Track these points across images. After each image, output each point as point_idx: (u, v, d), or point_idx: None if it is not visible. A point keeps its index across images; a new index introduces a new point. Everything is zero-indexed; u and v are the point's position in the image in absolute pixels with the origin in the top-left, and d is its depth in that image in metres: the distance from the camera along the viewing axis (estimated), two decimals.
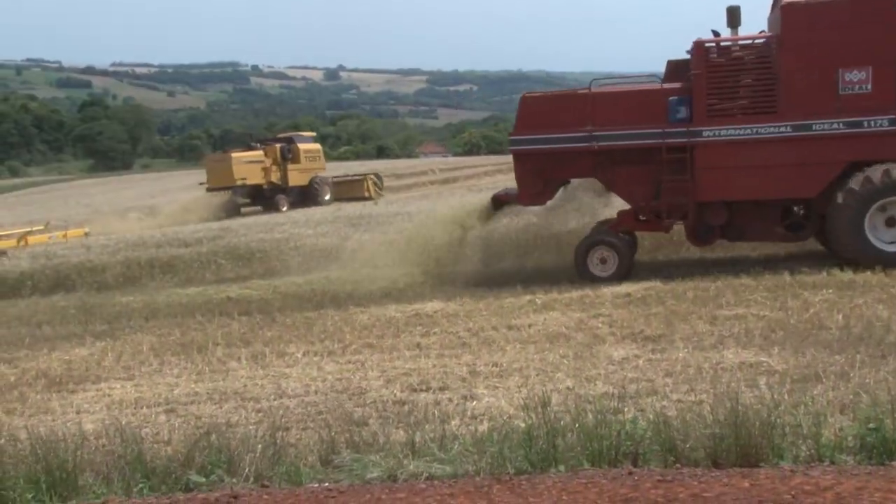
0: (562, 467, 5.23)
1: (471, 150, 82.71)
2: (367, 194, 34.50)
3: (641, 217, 14.46)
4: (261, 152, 34.00)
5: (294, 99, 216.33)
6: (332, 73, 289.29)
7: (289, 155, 33.87)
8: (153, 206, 36.25)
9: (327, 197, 34.10)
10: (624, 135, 13.91)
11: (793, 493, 4.64)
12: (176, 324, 13.05)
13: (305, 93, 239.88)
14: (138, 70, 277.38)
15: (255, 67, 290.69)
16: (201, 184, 34.78)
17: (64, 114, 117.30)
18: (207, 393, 8.74)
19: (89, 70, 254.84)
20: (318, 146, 36.60)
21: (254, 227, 23.09)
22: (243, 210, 33.48)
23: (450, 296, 13.56)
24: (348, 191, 34.84)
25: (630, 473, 5.07)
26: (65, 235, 26.61)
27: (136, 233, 26.46)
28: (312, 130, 52.93)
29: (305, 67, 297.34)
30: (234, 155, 33.76)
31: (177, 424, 7.58)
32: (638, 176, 14.07)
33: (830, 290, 11.42)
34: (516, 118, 14.59)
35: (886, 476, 4.84)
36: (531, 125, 14.30)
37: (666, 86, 13.92)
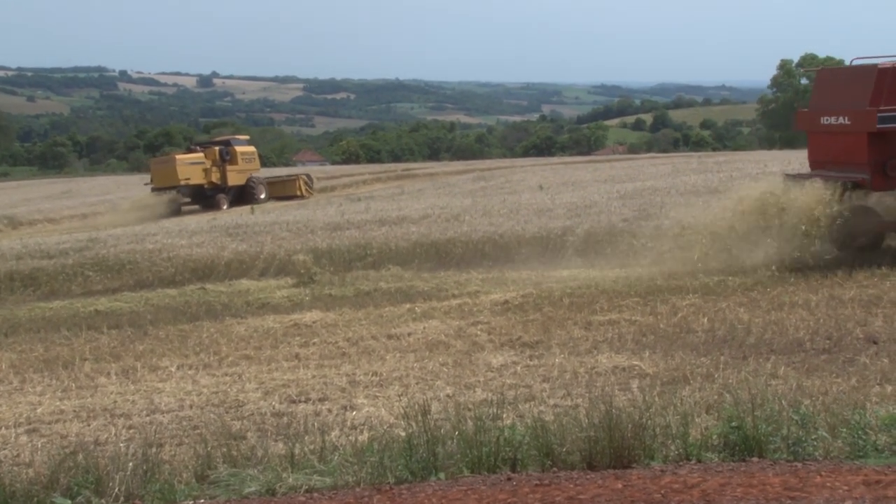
0: (442, 475, 5.27)
1: (349, 158, 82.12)
2: (299, 193, 36.85)
3: None
4: (201, 154, 36.08)
5: (165, 106, 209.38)
6: (205, 80, 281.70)
7: (227, 156, 35.96)
8: (12, 217, 34.63)
9: (263, 195, 36.28)
10: None
11: (662, 492, 4.83)
12: (39, 339, 12.43)
13: (177, 100, 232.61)
14: None
15: (123, 73, 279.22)
16: (146, 184, 36.64)
17: None
18: (74, 411, 8.37)
19: None
20: (253, 148, 38.78)
21: (123, 237, 22.26)
22: (184, 209, 35.02)
23: (328, 306, 13.46)
24: (282, 189, 37.22)
25: (509, 479, 5.16)
26: None
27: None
28: (186, 139, 53.58)
29: (177, 74, 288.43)
30: (177, 157, 36.42)
31: (39, 445, 7.23)
32: None
33: (696, 295, 11.95)
34: (873, 92, 12.94)
35: (747, 472, 5.10)
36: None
37: None
